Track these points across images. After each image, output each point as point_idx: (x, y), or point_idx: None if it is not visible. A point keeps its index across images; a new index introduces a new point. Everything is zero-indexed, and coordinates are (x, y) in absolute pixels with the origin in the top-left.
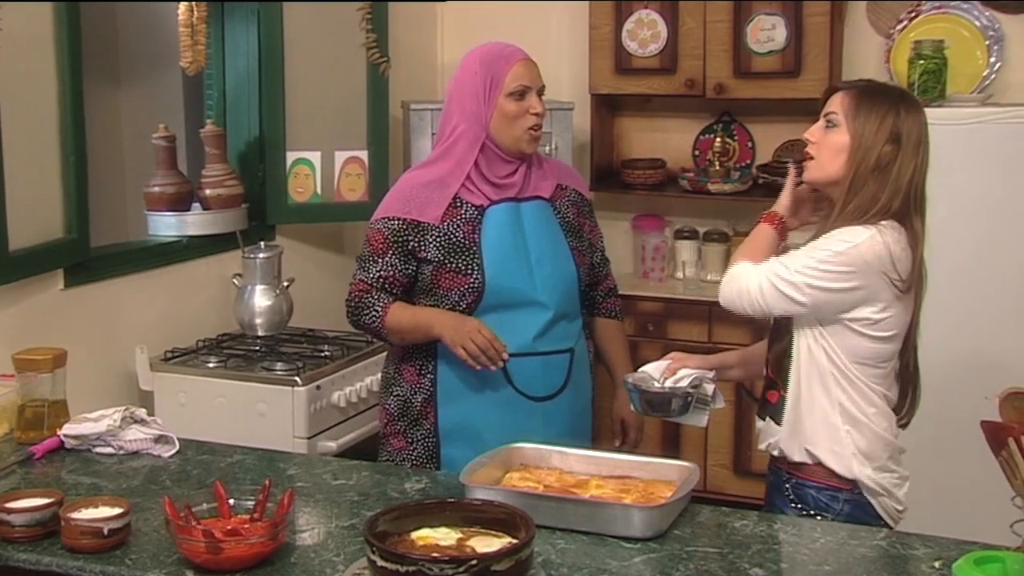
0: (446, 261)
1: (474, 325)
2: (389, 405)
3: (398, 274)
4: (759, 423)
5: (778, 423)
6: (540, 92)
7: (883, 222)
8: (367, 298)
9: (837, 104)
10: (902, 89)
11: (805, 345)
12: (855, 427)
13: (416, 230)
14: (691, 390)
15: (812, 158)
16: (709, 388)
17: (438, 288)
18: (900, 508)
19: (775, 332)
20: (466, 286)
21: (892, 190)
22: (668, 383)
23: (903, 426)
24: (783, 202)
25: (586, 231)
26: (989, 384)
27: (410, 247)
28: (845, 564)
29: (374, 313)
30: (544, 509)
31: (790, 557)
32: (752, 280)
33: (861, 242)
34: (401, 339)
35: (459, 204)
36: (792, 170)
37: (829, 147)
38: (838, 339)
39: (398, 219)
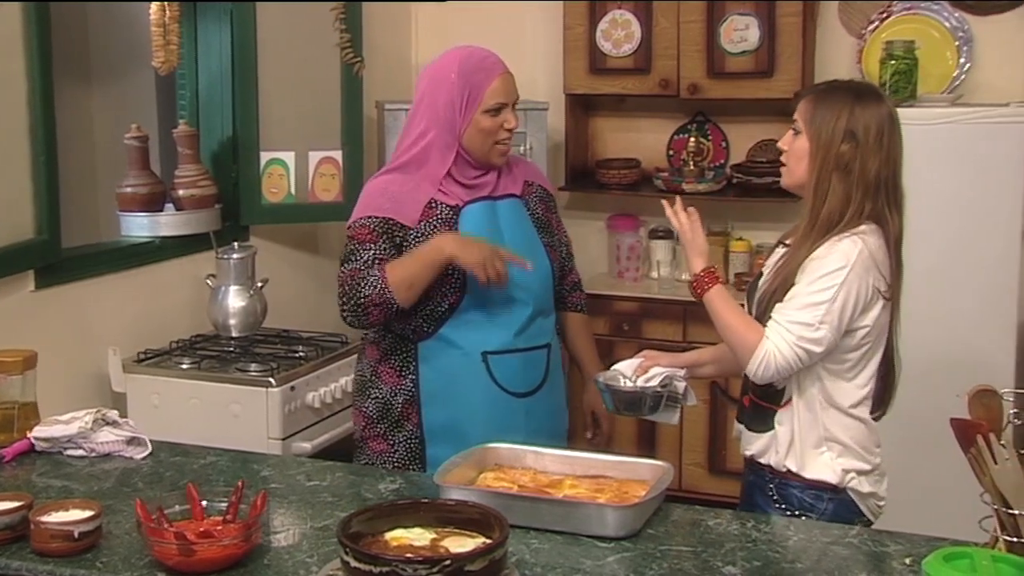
0: None
1: (490, 249)
2: (367, 408)
3: (390, 259)
4: (737, 426)
5: (752, 430)
6: (515, 105)
7: (862, 227)
8: (360, 274)
9: (799, 111)
10: (861, 85)
11: (794, 377)
12: (844, 448)
13: (397, 227)
14: (661, 389)
15: (785, 165)
16: (680, 386)
17: None
18: (881, 504)
19: None
20: (448, 285)
21: (861, 189)
22: (640, 381)
23: (879, 417)
24: (703, 249)
25: (555, 225)
26: (960, 382)
27: (396, 240)
28: (818, 561)
29: (372, 280)
30: (518, 509)
31: (763, 555)
32: (786, 354)
33: (853, 260)
34: (409, 289)
35: (434, 205)
36: (691, 218)
37: (795, 153)
38: (829, 358)
39: (378, 217)
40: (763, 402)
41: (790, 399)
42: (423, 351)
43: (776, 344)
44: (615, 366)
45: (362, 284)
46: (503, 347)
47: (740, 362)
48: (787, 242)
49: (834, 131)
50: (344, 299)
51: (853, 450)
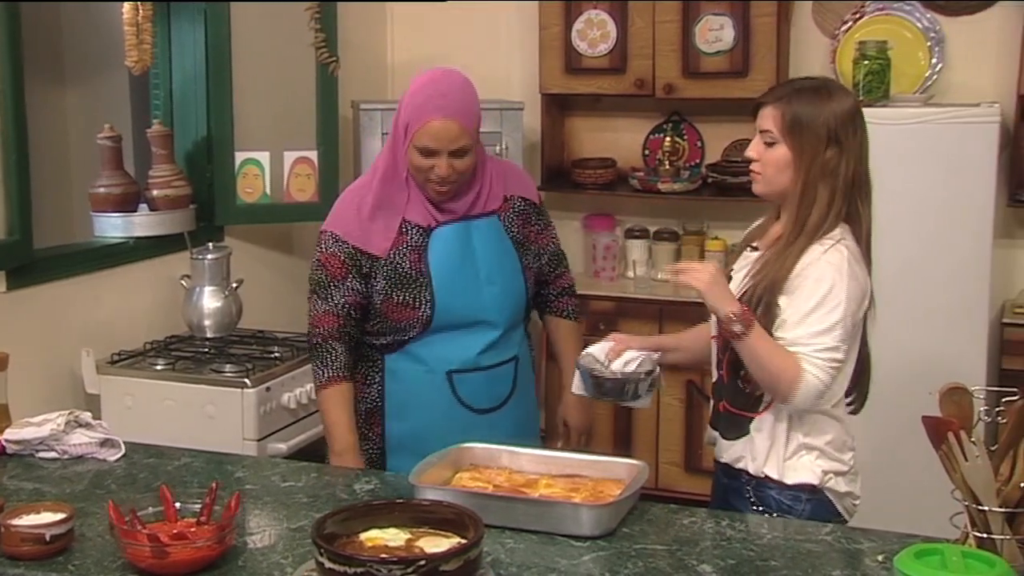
0: (393, 294)
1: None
2: None
3: (359, 297)
4: (711, 432)
5: (728, 437)
6: (459, 152)
7: (836, 231)
8: (326, 345)
9: (769, 121)
10: (823, 83)
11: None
12: (820, 452)
13: (365, 258)
14: (645, 376)
15: (759, 173)
16: (655, 370)
17: (387, 317)
18: (856, 502)
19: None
20: (414, 318)
21: (843, 191)
22: (615, 365)
23: (857, 410)
24: (734, 299)
25: (532, 238)
26: (932, 380)
27: (364, 271)
28: (792, 559)
29: (319, 371)
30: (493, 509)
31: (737, 553)
32: (822, 378)
33: (845, 270)
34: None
35: (405, 230)
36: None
37: (773, 164)
38: None
39: (348, 246)
40: (739, 409)
41: (768, 405)
42: (389, 363)
43: (814, 373)
44: (587, 349)
45: (316, 357)
46: (468, 366)
47: (779, 396)
48: (755, 244)
49: (819, 140)
50: (309, 337)
51: (830, 452)
